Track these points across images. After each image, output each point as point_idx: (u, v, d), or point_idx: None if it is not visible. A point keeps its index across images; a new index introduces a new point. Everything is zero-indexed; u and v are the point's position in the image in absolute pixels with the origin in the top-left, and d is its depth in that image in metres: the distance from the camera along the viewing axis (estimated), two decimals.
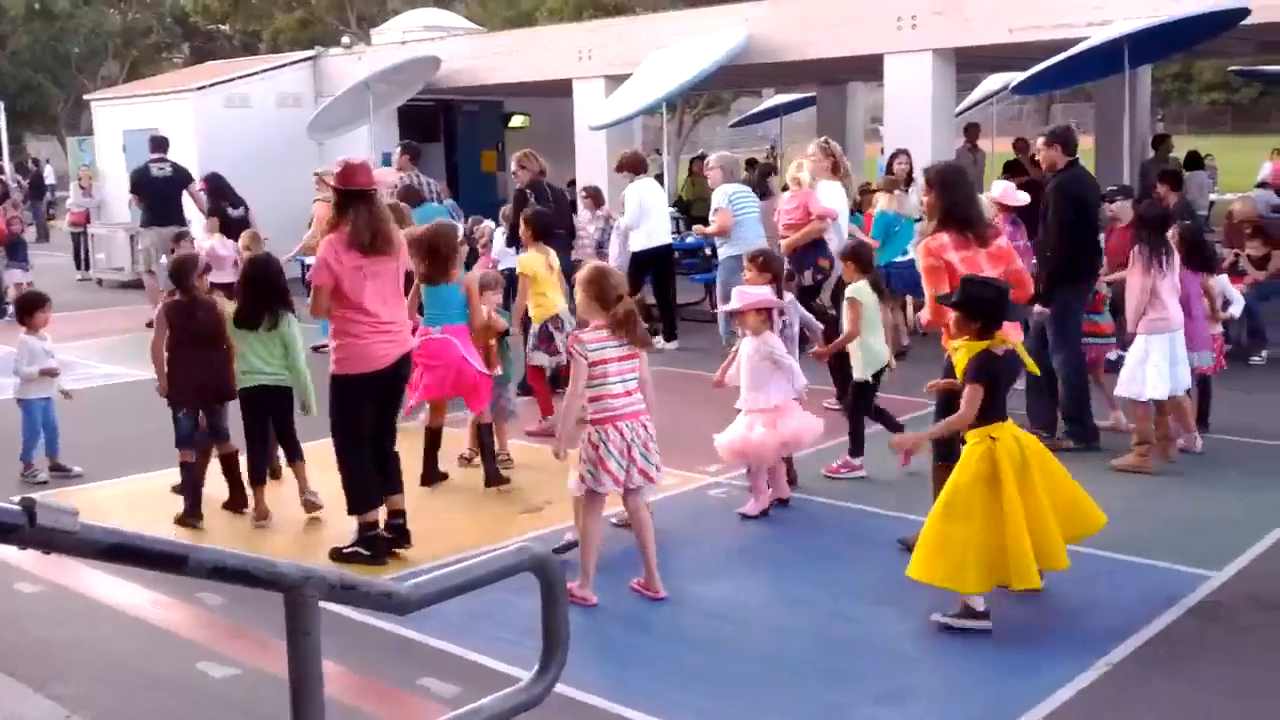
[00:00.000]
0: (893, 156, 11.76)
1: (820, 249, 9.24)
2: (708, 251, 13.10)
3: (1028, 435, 4.92)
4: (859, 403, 7.00)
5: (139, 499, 6.86)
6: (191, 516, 6.36)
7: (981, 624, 4.70)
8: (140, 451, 7.60)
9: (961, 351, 4.84)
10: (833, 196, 9.65)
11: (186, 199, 13.55)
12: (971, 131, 16.55)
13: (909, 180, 11.29)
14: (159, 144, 13.73)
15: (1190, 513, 6.21)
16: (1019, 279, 5.62)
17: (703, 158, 21.82)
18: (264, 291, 6.24)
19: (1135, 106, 16.39)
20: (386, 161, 18.13)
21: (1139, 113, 16.91)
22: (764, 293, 6.39)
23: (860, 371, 6.94)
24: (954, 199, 5.58)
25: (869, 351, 6.90)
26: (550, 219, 8.86)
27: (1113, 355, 7.96)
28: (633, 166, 11.39)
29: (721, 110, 40.79)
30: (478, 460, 7.09)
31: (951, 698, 4.35)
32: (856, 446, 6.96)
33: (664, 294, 11.50)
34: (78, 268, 18.67)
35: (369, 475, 5.77)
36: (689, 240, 13.89)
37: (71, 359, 10.13)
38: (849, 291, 7.00)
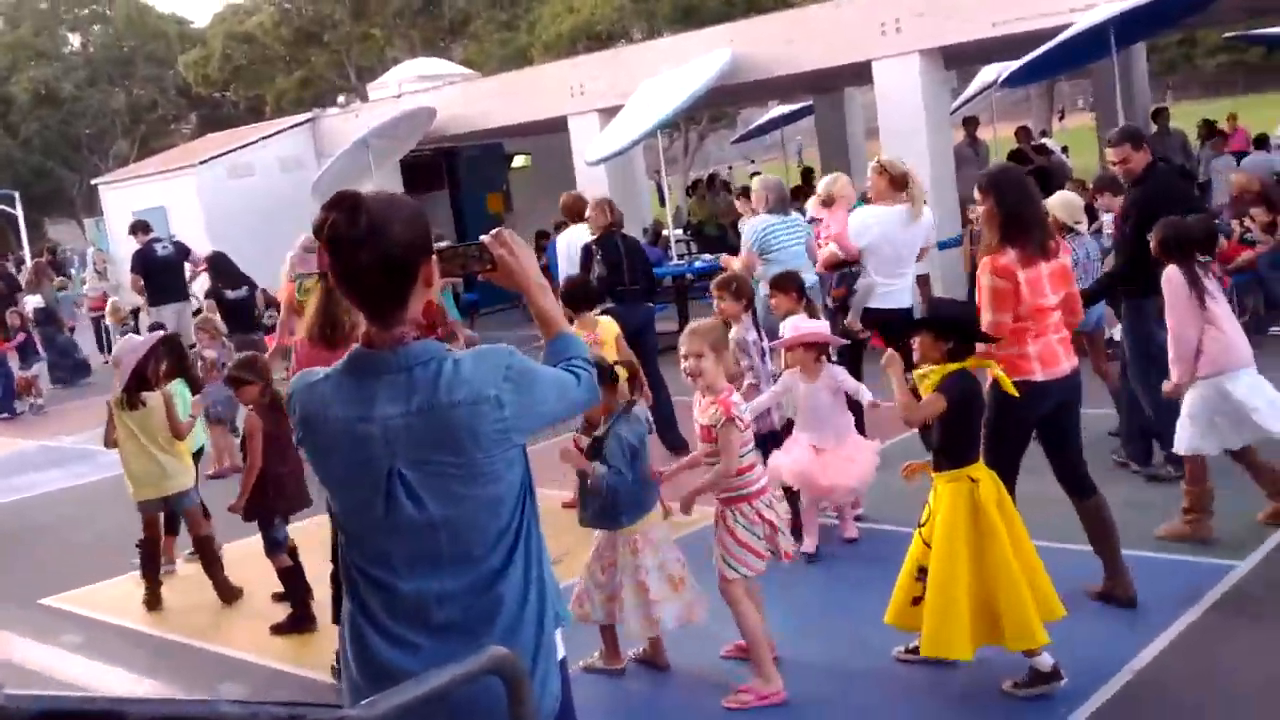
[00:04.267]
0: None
1: (844, 273, 7.84)
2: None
3: (1001, 483, 4.40)
4: None
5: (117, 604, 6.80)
6: (306, 621, 5.93)
7: (1052, 686, 4.27)
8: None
9: (932, 377, 4.37)
10: (860, 221, 7.56)
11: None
12: (970, 124, 16.49)
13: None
14: (146, 227, 13.95)
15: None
16: (1072, 305, 4.96)
17: (706, 181, 21.95)
18: None
19: (1132, 82, 16.31)
20: None
21: (1137, 88, 16.80)
22: (817, 325, 6.14)
23: None
24: (1015, 205, 4.76)
25: None
26: (593, 284, 7.97)
27: None
28: (569, 213, 10.02)
29: (728, 124, 40.90)
30: None
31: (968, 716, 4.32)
32: None
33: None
34: (100, 352, 18.84)
35: None
36: (698, 264, 13.90)
37: (93, 448, 10.21)
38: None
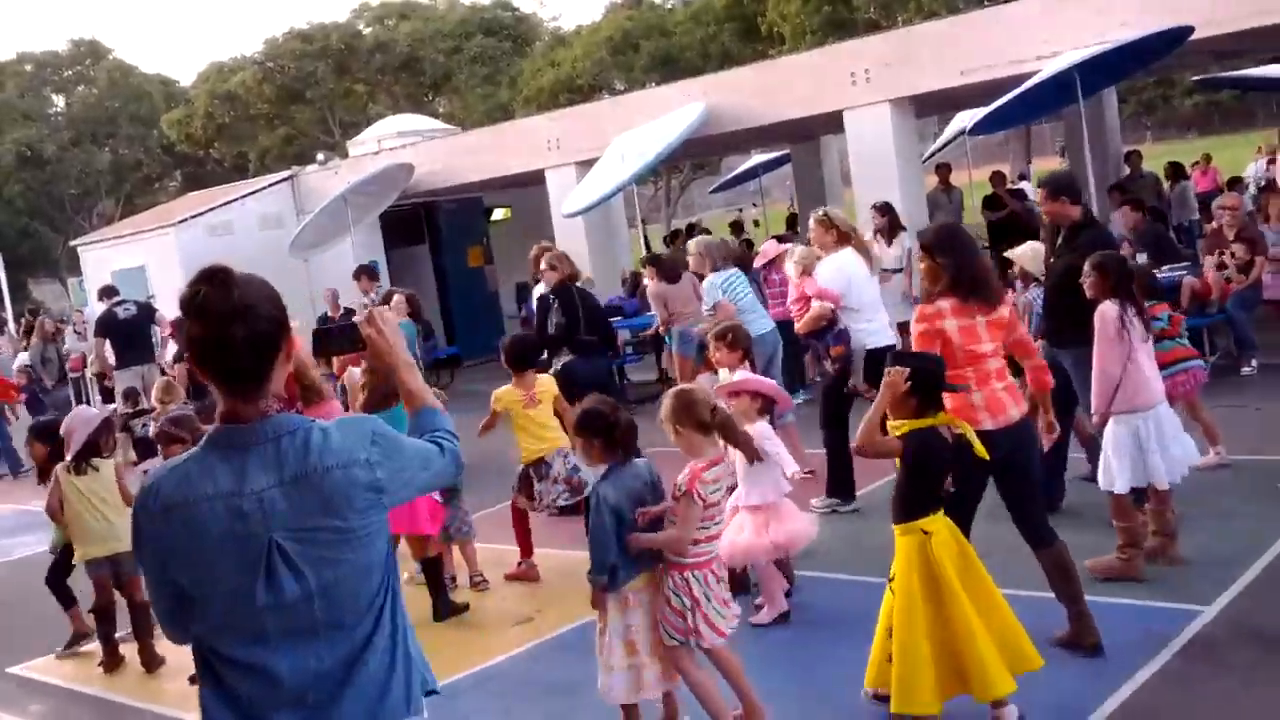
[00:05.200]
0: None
1: (831, 333, 7.79)
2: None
3: (961, 535, 4.38)
4: None
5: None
6: None
7: None
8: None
9: (901, 429, 4.36)
10: (834, 270, 7.76)
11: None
12: (943, 171, 16.62)
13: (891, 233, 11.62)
14: (112, 291, 13.99)
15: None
16: (1024, 348, 5.10)
17: (686, 230, 22.00)
18: None
19: (1104, 127, 16.48)
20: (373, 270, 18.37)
21: (1109, 133, 16.97)
22: (769, 380, 6.09)
23: None
24: (957, 260, 4.91)
25: None
26: (531, 343, 7.73)
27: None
28: (538, 265, 10.17)
29: (711, 171, 41.10)
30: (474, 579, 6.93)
31: None
32: None
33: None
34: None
35: None
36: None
37: None
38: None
